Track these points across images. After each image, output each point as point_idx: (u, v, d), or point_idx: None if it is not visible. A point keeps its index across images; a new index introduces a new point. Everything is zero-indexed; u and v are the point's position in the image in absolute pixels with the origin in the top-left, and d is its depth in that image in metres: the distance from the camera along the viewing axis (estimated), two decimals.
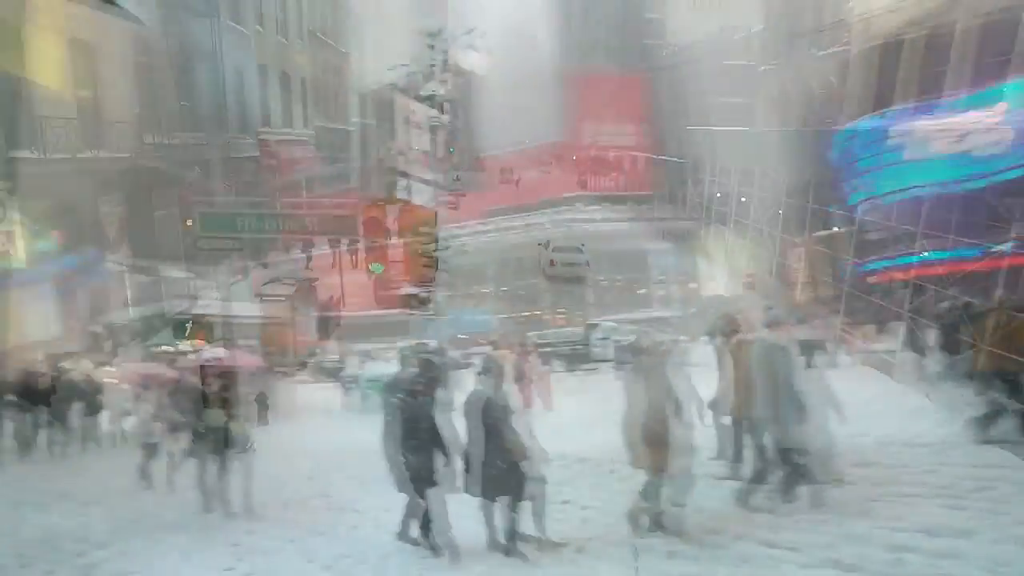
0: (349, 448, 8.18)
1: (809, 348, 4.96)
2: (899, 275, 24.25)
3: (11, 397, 10.37)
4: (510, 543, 3.98)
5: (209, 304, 19.12)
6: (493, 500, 3.97)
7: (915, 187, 24.04)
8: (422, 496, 4.06)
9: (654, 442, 3.87)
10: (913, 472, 5.19)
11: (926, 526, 4.00)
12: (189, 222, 18.67)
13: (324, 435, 9.74)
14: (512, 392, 4.47)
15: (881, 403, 8.48)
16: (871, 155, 25.41)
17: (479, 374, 4.05)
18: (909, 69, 23.59)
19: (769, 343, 4.43)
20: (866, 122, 25.11)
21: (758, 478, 4.57)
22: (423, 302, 9.97)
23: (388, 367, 11.05)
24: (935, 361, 7.61)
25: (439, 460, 4.16)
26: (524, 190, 52.87)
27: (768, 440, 4.41)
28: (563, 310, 44.30)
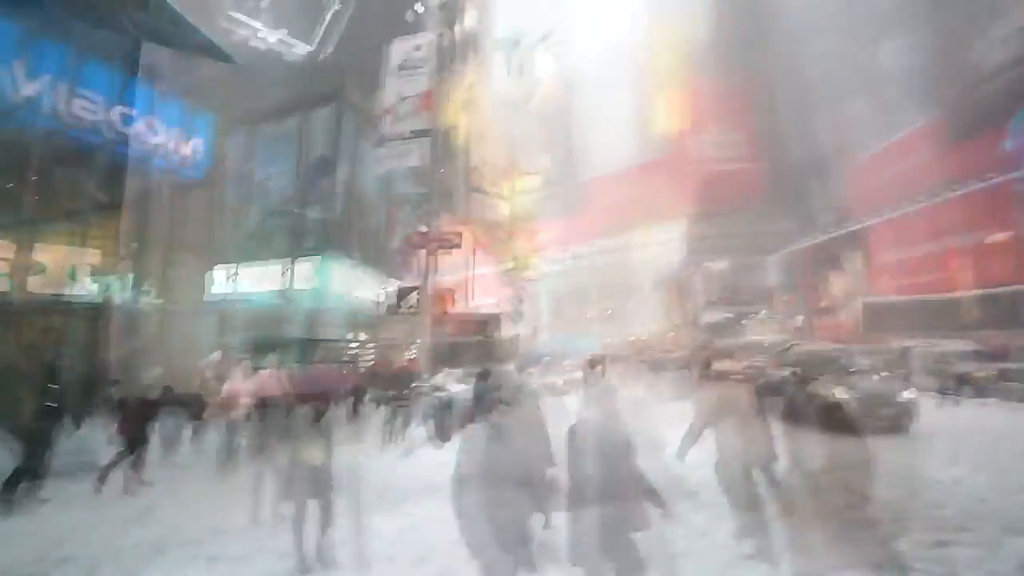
0: (402, 486, 6.95)
1: None
2: None
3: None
4: None
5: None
6: None
7: None
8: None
9: None
10: None
11: None
12: None
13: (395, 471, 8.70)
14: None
15: None
16: None
17: (587, 398, 2.65)
18: None
19: None
20: None
21: None
22: (498, 324, 8.88)
23: (464, 391, 9.95)
24: None
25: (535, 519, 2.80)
26: (626, 211, 50.22)
27: None
28: (672, 332, 41.15)
